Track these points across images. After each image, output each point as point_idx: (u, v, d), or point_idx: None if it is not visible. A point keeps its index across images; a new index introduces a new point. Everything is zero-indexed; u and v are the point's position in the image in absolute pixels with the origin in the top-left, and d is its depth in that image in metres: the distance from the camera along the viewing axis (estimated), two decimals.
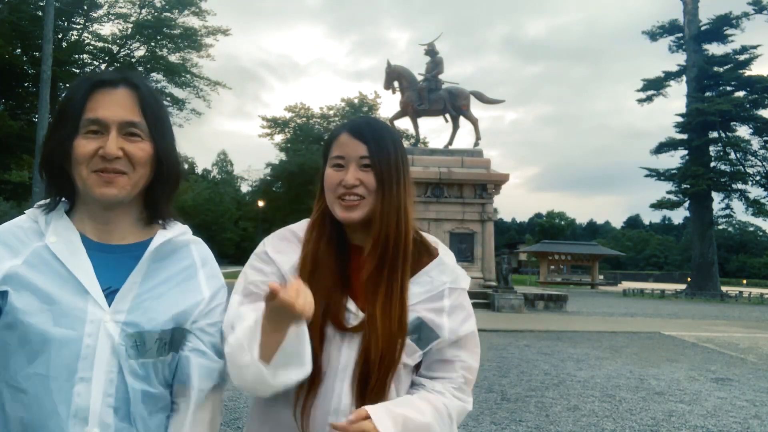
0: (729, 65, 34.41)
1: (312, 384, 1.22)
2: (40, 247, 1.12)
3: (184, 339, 1.18)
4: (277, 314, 1.09)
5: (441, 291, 1.30)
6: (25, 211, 1.20)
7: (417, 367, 1.32)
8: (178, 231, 1.24)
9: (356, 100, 40.06)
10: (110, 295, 1.11)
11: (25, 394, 1.04)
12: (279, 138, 41.76)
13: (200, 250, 1.28)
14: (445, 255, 1.36)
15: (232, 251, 60.22)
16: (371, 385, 1.21)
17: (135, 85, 1.17)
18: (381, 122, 1.36)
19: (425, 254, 1.34)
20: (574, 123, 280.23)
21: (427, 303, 1.29)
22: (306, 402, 1.22)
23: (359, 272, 1.29)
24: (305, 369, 1.15)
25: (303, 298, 1.07)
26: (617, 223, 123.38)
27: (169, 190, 1.22)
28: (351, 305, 1.26)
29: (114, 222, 1.18)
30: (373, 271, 1.26)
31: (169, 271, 1.19)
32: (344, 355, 1.24)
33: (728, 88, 34.81)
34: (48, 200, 1.19)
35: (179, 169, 1.22)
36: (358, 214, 1.27)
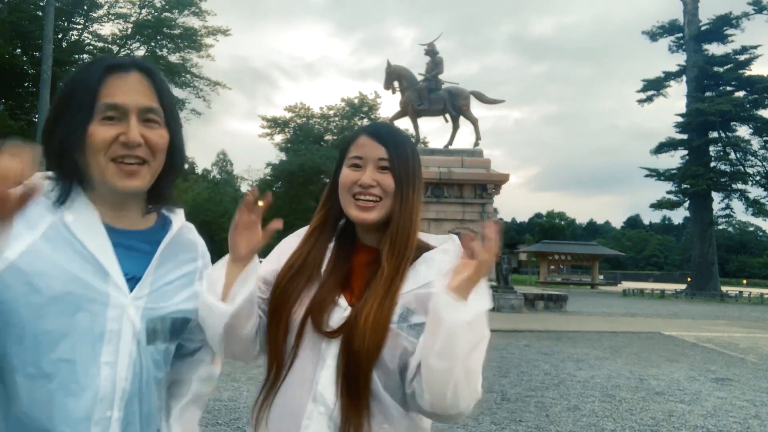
0: (729, 65, 34.42)
1: (278, 374, 1.23)
2: (57, 221, 1.06)
3: (187, 330, 1.22)
4: None
5: (427, 283, 1.27)
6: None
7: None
8: (182, 217, 1.26)
9: (356, 100, 40.00)
10: (129, 281, 1.09)
11: (50, 380, 1.00)
12: (279, 138, 41.71)
13: (195, 237, 1.31)
14: (438, 252, 1.31)
15: None
16: (352, 373, 1.17)
17: (148, 69, 1.14)
18: (400, 130, 1.39)
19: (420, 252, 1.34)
20: (578, 122, 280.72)
21: (413, 294, 1.27)
22: (270, 392, 1.23)
23: (361, 270, 1.31)
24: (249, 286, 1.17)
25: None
26: (617, 223, 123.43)
27: (175, 177, 1.22)
28: (342, 301, 1.25)
29: (126, 209, 1.16)
30: (386, 271, 1.25)
31: (177, 258, 1.21)
32: (323, 347, 1.22)
33: (728, 88, 34.83)
34: (56, 175, 1.10)
35: (185, 157, 1.24)
36: (374, 216, 1.28)
